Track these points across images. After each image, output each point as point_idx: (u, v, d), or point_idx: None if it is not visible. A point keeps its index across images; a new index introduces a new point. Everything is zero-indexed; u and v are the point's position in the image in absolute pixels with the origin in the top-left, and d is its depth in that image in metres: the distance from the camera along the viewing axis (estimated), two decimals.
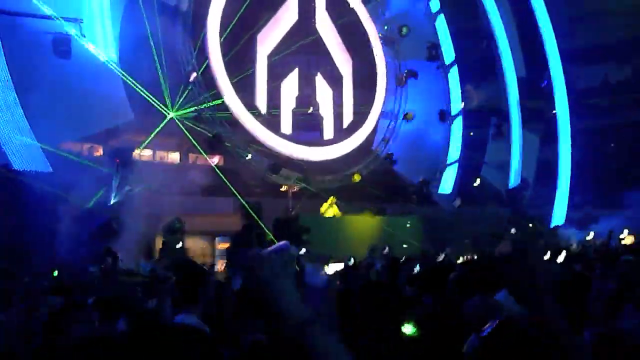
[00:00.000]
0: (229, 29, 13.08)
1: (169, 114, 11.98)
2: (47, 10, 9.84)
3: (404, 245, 11.52)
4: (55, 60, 10.00)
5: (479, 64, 18.64)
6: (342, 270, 7.26)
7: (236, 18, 13.07)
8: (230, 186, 11.87)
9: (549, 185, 17.93)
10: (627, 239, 12.35)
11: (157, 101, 11.54)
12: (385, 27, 16.34)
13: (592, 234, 13.52)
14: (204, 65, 12.89)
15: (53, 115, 9.64)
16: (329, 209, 12.88)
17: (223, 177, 12.07)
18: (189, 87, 12.45)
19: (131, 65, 11.02)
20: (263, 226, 11.25)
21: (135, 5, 11.35)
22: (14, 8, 9.62)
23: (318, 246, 9.62)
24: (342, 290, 5.06)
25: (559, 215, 17.46)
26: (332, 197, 13.02)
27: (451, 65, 17.47)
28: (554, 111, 18.31)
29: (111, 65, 10.57)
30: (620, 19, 20.84)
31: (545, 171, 18.29)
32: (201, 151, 12.53)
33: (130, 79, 10.75)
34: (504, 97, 17.98)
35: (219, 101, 12.98)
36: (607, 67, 21.38)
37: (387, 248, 9.54)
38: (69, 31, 10.22)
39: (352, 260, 7.86)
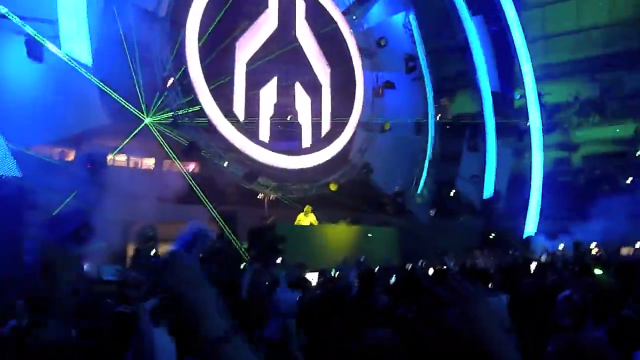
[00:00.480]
0: (207, 35, 13.02)
1: (144, 119, 11.82)
2: (5, 9, 9.62)
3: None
4: (27, 62, 9.77)
5: (454, 77, 19.02)
6: (321, 280, 7.24)
7: (215, 24, 13.03)
8: (203, 194, 11.75)
9: (521, 197, 18.30)
10: (594, 251, 12.71)
11: (132, 106, 11.38)
12: (363, 29, 16.48)
13: (562, 245, 13.85)
14: (182, 71, 12.79)
15: (23, 117, 9.40)
16: (306, 218, 12.86)
17: (198, 184, 11.94)
18: (166, 93, 12.32)
19: (106, 69, 10.84)
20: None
21: (111, 9, 11.21)
22: None
23: (293, 255, 9.57)
24: (317, 298, 5.05)
25: (530, 226, 17.82)
26: (308, 206, 13.00)
27: (427, 77, 17.76)
28: (528, 124, 18.77)
29: (82, 70, 10.36)
30: (591, 37, 21.56)
31: (517, 183, 18.69)
32: (176, 158, 12.37)
33: (104, 84, 10.57)
34: (478, 110, 18.34)
35: (196, 107, 12.87)
36: (577, 83, 22.09)
37: (362, 257, 9.55)
38: (43, 33, 10.02)
39: (333, 272, 7.83)
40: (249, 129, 13.85)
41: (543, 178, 18.59)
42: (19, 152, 9.23)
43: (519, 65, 19.08)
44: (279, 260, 8.62)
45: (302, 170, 14.70)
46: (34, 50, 9.80)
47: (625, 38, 20.59)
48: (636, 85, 20.87)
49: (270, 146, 14.13)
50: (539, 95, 19.30)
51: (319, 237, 12.04)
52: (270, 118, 14.28)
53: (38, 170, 9.31)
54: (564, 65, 21.51)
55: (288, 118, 14.61)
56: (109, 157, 11.43)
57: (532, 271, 7.19)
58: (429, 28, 17.96)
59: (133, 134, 11.50)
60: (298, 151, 14.72)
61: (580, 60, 21.51)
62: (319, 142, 15.08)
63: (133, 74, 11.36)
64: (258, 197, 13.94)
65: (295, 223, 12.74)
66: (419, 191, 16.96)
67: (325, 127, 15.33)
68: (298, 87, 14.83)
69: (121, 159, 12.60)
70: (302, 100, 14.90)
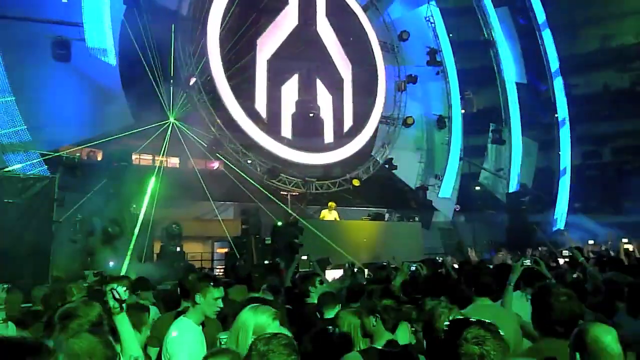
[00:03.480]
0: (228, 34, 13.09)
1: (168, 118, 11.97)
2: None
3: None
4: (55, 64, 10.01)
5: (479, 69, 18.70)
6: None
7: (236, 23, 13.09)
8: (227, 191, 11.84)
9: (548, 191, 17.92)
10: (628, 246, 12.31)
11: (156, 105, 11.54)
12: (385, 23, 16.29)
13: (592, 241, 13.49)
14: (204, 70, 12.87)
15: (52, 118, 9.64)
16: (330, 214, 12.84)
17: (222, 181, 12.05)
18: (188, 92, 12.45)
19: (131, 69, 11.02)
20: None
21: (135, 10, 11.37)
22: (13, 12, 9.64)
23: (317, 251, 9.57)
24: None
25: (559, 220, 17.43)
26: (332, 202, 12.98)
27: (451, 70, 17.50)
28: (556, 115, 18.34)
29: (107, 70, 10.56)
30: (620, 27, 20.89)
31: (544, 177, 18.29)
32: (200, 156, 12.50)
33: (129, 84, 10.75)
34: (503, 103, 18.01)
35: (219, 105, 12.96)
36: (606, 74, 21.44)
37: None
38: (69, 35, 10.24)
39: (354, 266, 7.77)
40: (271, 125, 13.89)
41: (572, 171, 18.15)
42: (48, 153, 9.46)
43: (546, 57, 18.65)
44: (304, 257, 8.58)
45: (324, 166, 14.68)
46: (61, 52, 10.04)
47: None
48: None
49: (293, 143, 14.14)
50: (567, 86, 18.84)
51: (342, 233, 12.01)
52: (292, 115, 14.30)
53: (66, 169, 9.54)
54: (592, 55, 20.89)
55: (310, 114, 14.58)
56: (135, 156, 11.63)
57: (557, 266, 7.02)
58: (452, 20, 17.70)
59: (158, 133, 11.65)
60: (320, 147, 14.69)
61: (609, 50, 20.87)
62: (341, 138, 15.02)
63: (157, 73, 11.50)
64: (281, 193, 13.98)
65: (320, 218, 12.75)
66: (443, 186, 16.74)
67: (348, 123, 15.27)
68: (319, 83, 14.80)
69: (147, 157, 12.82)
70: (323, 96, 14.87)
